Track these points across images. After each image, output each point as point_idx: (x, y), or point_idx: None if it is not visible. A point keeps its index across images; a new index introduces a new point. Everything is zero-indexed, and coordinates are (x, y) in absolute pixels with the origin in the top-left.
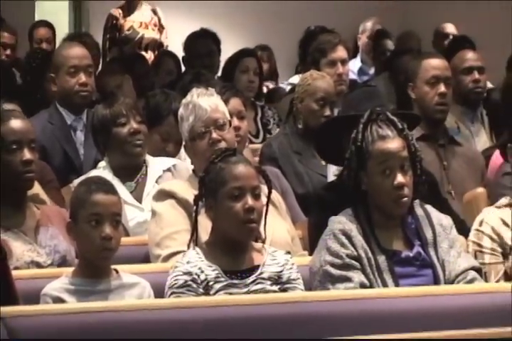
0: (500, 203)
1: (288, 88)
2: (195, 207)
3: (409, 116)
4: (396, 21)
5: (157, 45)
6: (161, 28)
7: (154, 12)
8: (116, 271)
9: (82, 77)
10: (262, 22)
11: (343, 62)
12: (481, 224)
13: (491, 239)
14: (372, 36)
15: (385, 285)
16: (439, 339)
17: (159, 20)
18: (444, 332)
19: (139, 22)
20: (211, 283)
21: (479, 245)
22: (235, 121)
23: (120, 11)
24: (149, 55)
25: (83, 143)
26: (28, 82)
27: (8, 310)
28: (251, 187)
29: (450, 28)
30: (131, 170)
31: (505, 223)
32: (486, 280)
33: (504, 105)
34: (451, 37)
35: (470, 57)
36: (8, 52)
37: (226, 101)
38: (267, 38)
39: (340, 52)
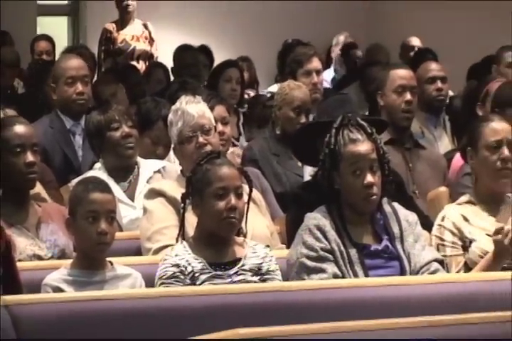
0: (460, 200)
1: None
2: (182, 205)
3: (377, 121)
4: (366, 35)
5: (148, 57)
6: (151, 40)
7: (145, 26)
8: (111, 263)
9: (79, 87)
10: (243, 35)
11: (318, 72)
12: (443, 219)
13: (452, 233)
14: (343, 48)
15: (356, 275)
16: (405, 325)
17: (149, 33)
18: (410, 319)
19: (131, 35)
20: (197, 275)
21: (441, 239)
22: (220, 127)
23: (114, 25)
24: (141, 65)
25: (81, 146)
26: (30, 90)
27: (12, 298)
28: (234, 187)
29: (415, 41)
30: (124, 171)
31: (465, 218)
32: (448, 271)
33: (464, 112)
34: (416, 49)
35: (433, 67)
36: None
37: (212, 108)
38: (248, 50)
39: (315, 63)
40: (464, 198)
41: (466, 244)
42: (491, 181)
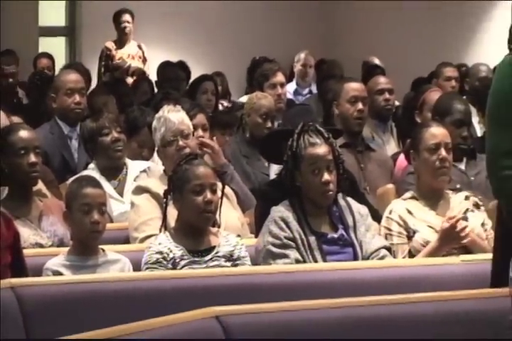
0: (405, 196)
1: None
2: (165, 200)
3: (334, 130)
4: (323, 52)
5: (141, 73)
6: (144, 59)
7: (139, 47)
8: (103, 250)
9: (77, 98)
10: (217, 53)
11: (282, 85)
12: (390, 212)
13: (398, 224)
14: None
15: (315, 260)
16: (357, 303)
17: (143, 53)
18: (361, 298)
19: (128, 54)
20: (178, 260)
21: (389, 229)
22: (200, 132)
23: (113, 44)
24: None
25: (77, 149)
26: (32, 101)
27: (17, 280)
28: (209, 184)
29: (375, 61)
30: (114, 171)
31: (409, 212)
32: (395, 257)
33: (404, 119)
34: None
35: (381, 81)
36: (10, 80)
37: (193, 116)
38: (221, 66)
39: (279, 77)
40: (408, 194)
41: (410, 234)
42: (432, 179)
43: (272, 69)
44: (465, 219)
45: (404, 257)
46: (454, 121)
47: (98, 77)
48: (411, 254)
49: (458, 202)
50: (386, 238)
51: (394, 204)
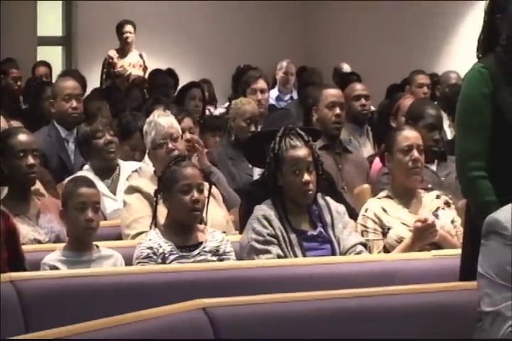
0: (380, 195)
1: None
2: (155, 199)
3: (313, 131)
4: (304, 61)
5: (141, 80)
6: (145, 68)
7: (141, 56)
8: (97, 246)
9: (74, 103)
10: (204, 62)
11: (262, 91)
12: (366, 211)
13: (374, 221)
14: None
15: (295, 256)
16: (336, 296)
17: (144, 62)
18: (340, 291)
19: (129, 62)
20: (167, 255)
21: (365, 226)
22: (188, 135)
23: (115, 53)
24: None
25: (74, 151)
26: (30, 106)
27: (16, 274)
28: (196, 184)
29: (346, 67)
30: (107, 171)
31: (384, 210)
32: (370, 252)
33: (379, 123)
34: (345, 72)
35: (358, 88)
36: (18, 83)
37: (181, 120)
38: (208, 74)
39: (260, 84)
40: (383, 193)
41: (384, 231)
42: (405, 178)
43: (254, 76)
44: (436, 216)
45: (379, 252)
46: (426, 125)
47: (100, 84)
48: (386, 250)
49: (429, 200)
50: (362, 234)
51: (369, 203)
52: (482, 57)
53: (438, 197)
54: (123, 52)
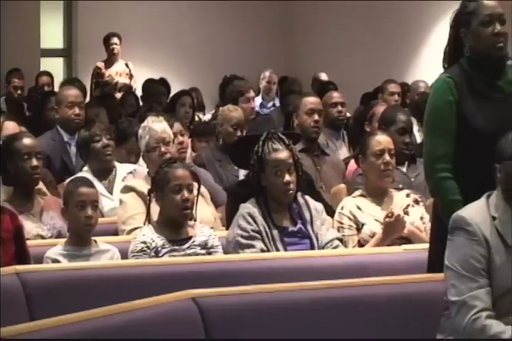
0: (355, 194)
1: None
2: (148, 197)
3: (293, 135)
4: (285, 71)
5: (128, 88)
6: (131, 76)
7: (127, 65)
8: (95, 241)
9: (77, 110)
10: (193, 72)
11: (253, 99)
12: (342, 208)
13: (349, 218)
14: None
15: (277, 250)
16: (315, 287)
17: (130, 70)
18: (319, 282)
19: (116, 71)
20: (159, 249)
21: (341, 223)
22: (180, 138)
23: (103, 64)
24: (122, 95)
25: (75, 154)
26: (34, 112)
27: (21, 267)
28: (187, 184)
29: (323, 76)
30: (105, 172)
31: (358, 207)
32: (346, 247)
33: (355, 129)
34: (323, 81)
35: (335, 95)
36: (19, 91)
37: (172, 125)
38: (196, 83)
39: (252, 93)
40: (357, 192)
41: (359, 227)
42: (377, 179)
43: (246, 86)
44: (406, 213)
45: (354, 246)
46: (397, 130)
47: (90, 93)
48: (360, 244)
49: (400, 198)
50: (338, 230)
51: (345, 201)
52: (448, 68)
53: (408, 195)
54: (110, 62)
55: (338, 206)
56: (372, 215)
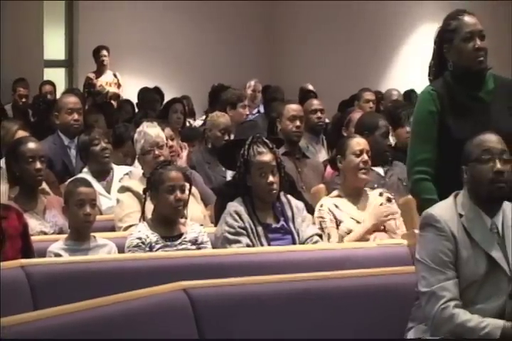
0: (332, 194)
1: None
2: (144, 196)
3: (276, 139)
4: (269, 80)
5: (117, 96)
6: (119, 86)
7: (115, 75)
8: (94, 237)
9: (76, 116)
10: (184, 81)
11: (247, 106)
12: (321, 206)
13: (328, 213)
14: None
15: (262, 245)
16: (297, 279)
17: (118, 80)
18: (300, 274)
19: (105, 81)
20: (153, 244)
21: (322, 217)
22: (170, 142)
23: (93, 74)
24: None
25: (75, 157)
26: (38, 119)
27: (26, 261)
28: (179, 185)
29: (310, 86)
30: (103, 174)
31: (336, 206)
32: (329, 239)
33: (333, 133)
34: (306, 90)
35: (315, 103)
36: (24, 99)
37: (163, 129)
38: (187, 91)
39: (246, 101)
40: (334, 193)
41: (337, 223)
42: (355, 177)
43: (243, 94)
44: None
45: (338, 238)
46: (381, 134)
47: (83, 102)
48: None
49: (374, 197)
50: (321, 224)
51: (323, 201)
52: (433, 80)
53: (381, 194)
54: (99, 72)
55: (318, 204)
56: (348, 213)
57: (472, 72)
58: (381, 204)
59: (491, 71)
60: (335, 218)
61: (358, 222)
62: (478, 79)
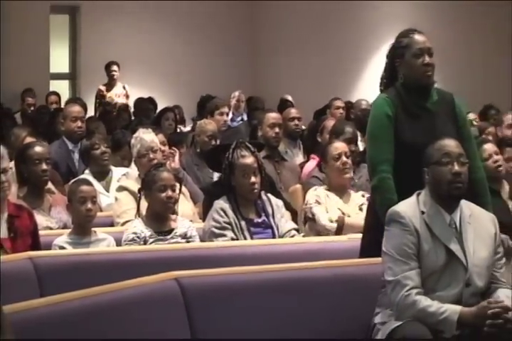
0: (321, 188)
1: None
2: (139, 195)
3: (258, 144)
4: (251, 91)
5: (125, 106)
6: (127, 96)
7: (124, 87)
8: (95, 231)
9: (79, 123)
10: (176, 92)
11: (227, 114)
12: (315, 190)
13: (317, 202)
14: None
15: (245, 238)
16: (276, 269)
17: (126, 92)
18: (279, 265)
19: (115, 93)
20: (147, 238)
21: (306, 204)
22: (162, 147)
23: (104, 87)
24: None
25: (78, 159)
26: (44, 126)
27: (34, 253)
28: (171, 185)
29: (289, 97)
30: (102, 175)
31: (327, 195)
32: (317, 223)
33: (308, 139)
34: (284, 100)
35: (292, 111)
36: (32, 108)
37: (157, 135)
38: (179, 101)
39: (226, 109)
40: (322, 187)
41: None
42: (338, 177)
43: (223, 103)
44: (361, 209)
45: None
46: (345, 139)
47: (95, 111)
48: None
49: (357, 197)
50: (311, 211)
51: (310, 193)
52: (384, 90)
53: (363, 196)
54: (110, 85)
55: (309, 194)
56: (335, 202)
57: (421, 85)
58: (362, 204)
59: (436, 85)
60: (321, 204)
61: (343, 213)
62: (425, 91)
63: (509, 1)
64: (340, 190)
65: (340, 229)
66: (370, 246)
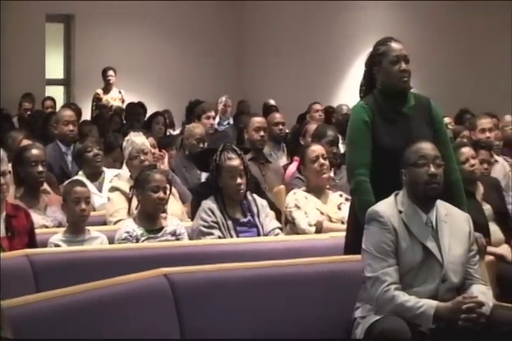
0: (301, 189)
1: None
2: (131, 195)
3: (244, 147)
4: (238, 96)
5: (120, 110)
6: (123, 100)
7: (119, 92)
8: (88, 230)
9: (71, 127)
10: (166, 96)
11: (213, 118)
12: (294, 194)
13: (296, 206)
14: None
15: (231, 237)
16: (260, 266)
17: (122, 96)
18: (263, 262)
19: (111, 97)
20: (139, 236)
21: (287, 207)
22: (152, 149)
23: (101, 91)
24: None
25: (71, 161)
26: (40, 129)
27: (30, 250)
28: (163, 187)
29: (272, 102)
30: (95, 176)
31: (305, 197)
32: (299, 227)
33: (292, 142)
34: (268, 105)
35: (277, 116)
36: (28, 113)
37: (147, 138)
38: (168, 105)
39: (212, 113)
40: (301, 189)
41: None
42: (316, 179)
43: (209, 107)
44: (339, 208)
45: (306, 225)
46: (327, 142)
47: (91, 113)
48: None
49: (335, 197)
50: (291, 214)
51: (290, 196)
52: (363, 97)
53: (341, 195)
54: (107, 89)
55: (289, 197)
56: (314, 203)
57: (397, 90)
58: (340, 204)
59: (412, 90)
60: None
61: (321, 213)
62: (402, 96)
63: (485, 1)
64: (319, 191)
65: (319, 232)
66: (354, 244)
